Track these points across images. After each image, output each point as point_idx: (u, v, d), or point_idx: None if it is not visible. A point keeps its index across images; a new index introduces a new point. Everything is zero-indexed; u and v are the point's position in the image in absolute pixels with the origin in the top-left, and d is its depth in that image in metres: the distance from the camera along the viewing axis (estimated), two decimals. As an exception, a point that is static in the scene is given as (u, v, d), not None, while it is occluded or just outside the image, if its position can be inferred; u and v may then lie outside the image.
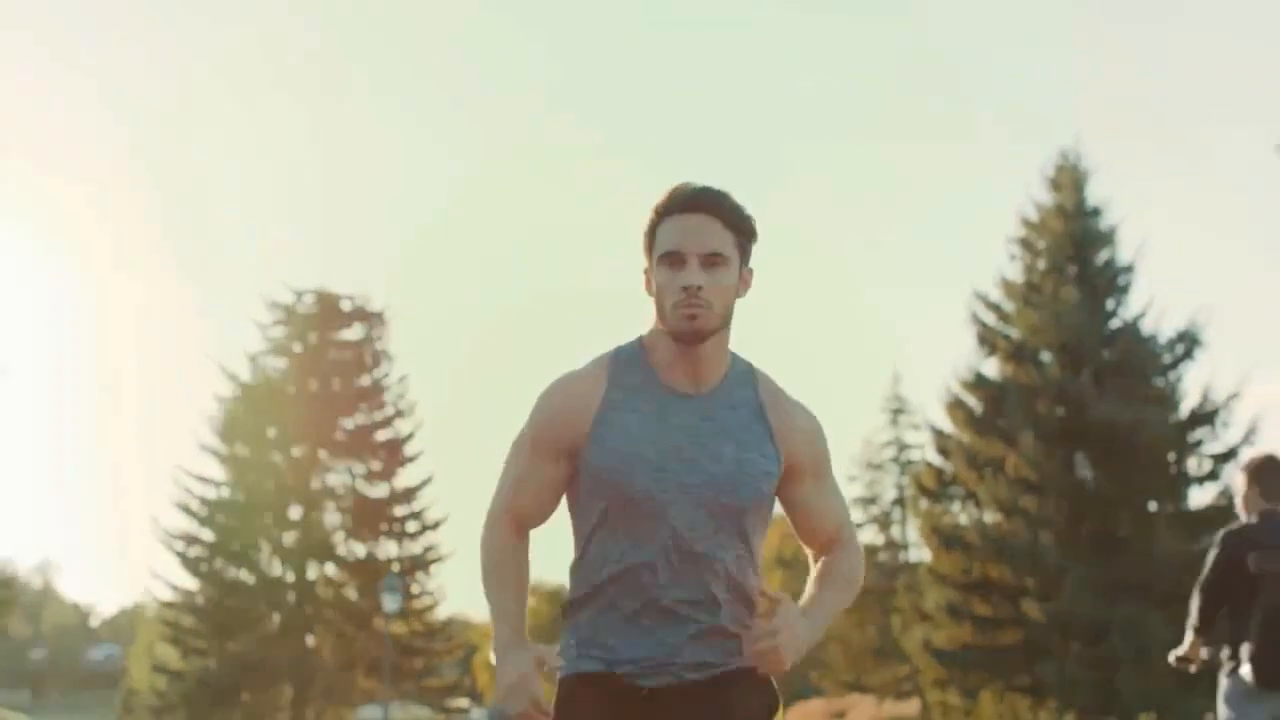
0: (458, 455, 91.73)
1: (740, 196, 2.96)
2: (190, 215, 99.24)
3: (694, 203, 2.94)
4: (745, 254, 2.99)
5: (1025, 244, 29.74)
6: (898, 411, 45.30)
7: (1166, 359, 28.34)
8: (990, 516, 28.71)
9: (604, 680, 2.95)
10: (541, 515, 3.06)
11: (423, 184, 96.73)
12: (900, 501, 43.88)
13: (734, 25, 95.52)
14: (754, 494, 2.95)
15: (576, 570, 3.04)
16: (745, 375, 3.04)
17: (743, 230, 2.97)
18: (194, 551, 35.36)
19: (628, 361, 3.01)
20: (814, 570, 3.16)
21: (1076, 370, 27.93)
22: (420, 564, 36.18)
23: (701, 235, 2.91)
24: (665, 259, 2.93)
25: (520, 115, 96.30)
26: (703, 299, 2.89)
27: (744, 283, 3.00)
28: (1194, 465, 28.27)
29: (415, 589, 35.98)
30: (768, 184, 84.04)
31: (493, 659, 2.93)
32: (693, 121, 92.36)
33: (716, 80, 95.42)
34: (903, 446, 44.98)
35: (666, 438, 2.94)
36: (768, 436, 2.99)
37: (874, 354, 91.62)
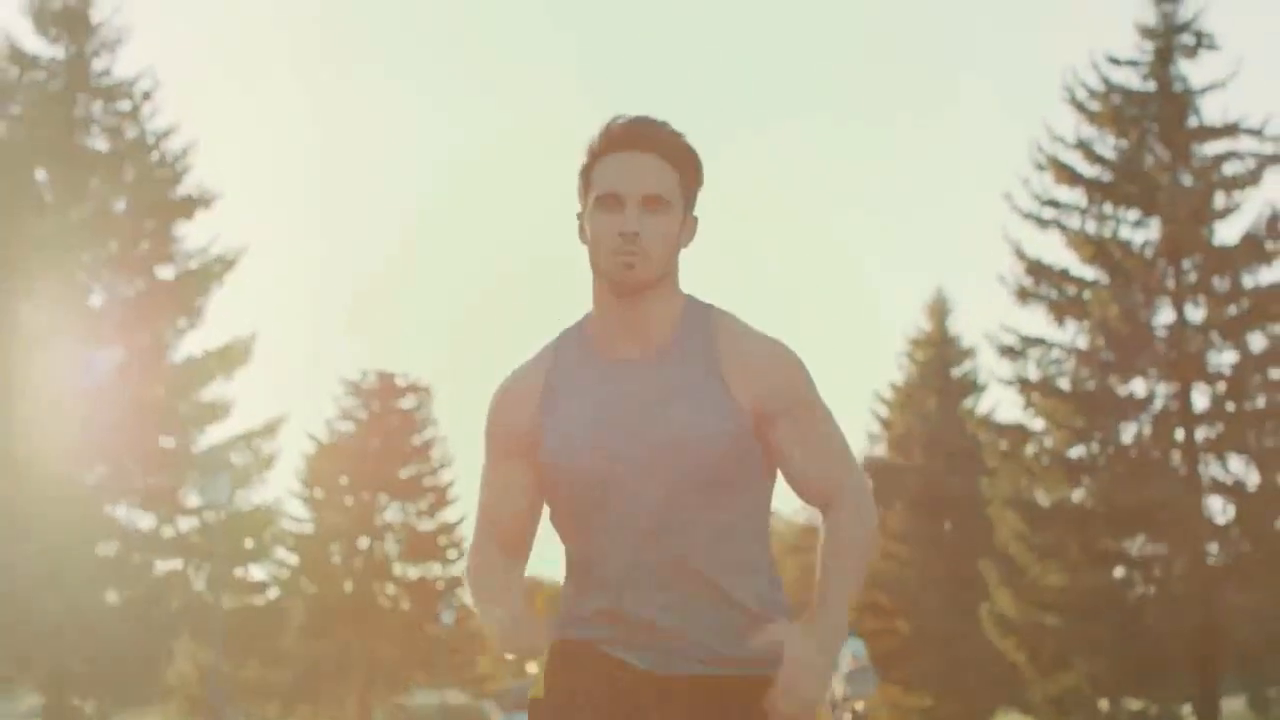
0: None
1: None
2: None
3: (633, 138, 2.55)
4: (690, 198, 2.60)
5: (909, 356, 39.42)
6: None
7: (1004, 445, 38.28)
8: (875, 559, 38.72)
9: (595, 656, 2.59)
10: (520, 528, 2.65)
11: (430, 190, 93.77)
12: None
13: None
14: (713, 456, 2.52)
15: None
16: (700, 324, 2.61)
17: (687, 168, 2.58)
18: (283, 574, 42.41)
19: (569, 340, 2.66)
20: (821, 536, 2.64)
21: (934, 457, 37.25)
22: (460, 583, 43.44)
23: (642, 175, 2.53)
24: (601, 202, 2.55)
25: (523, 100, 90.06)
26: (641, 246, 2.51)
27: (688, 231, 2.60)
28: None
29: (456, 603, 42.56)
30: (755, 157, 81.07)
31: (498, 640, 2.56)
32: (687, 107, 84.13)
33: (703, 53, 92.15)
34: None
35: (606, 411, 2.56)
36: (723, 389, 2.55)
37: (860, 336, 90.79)
